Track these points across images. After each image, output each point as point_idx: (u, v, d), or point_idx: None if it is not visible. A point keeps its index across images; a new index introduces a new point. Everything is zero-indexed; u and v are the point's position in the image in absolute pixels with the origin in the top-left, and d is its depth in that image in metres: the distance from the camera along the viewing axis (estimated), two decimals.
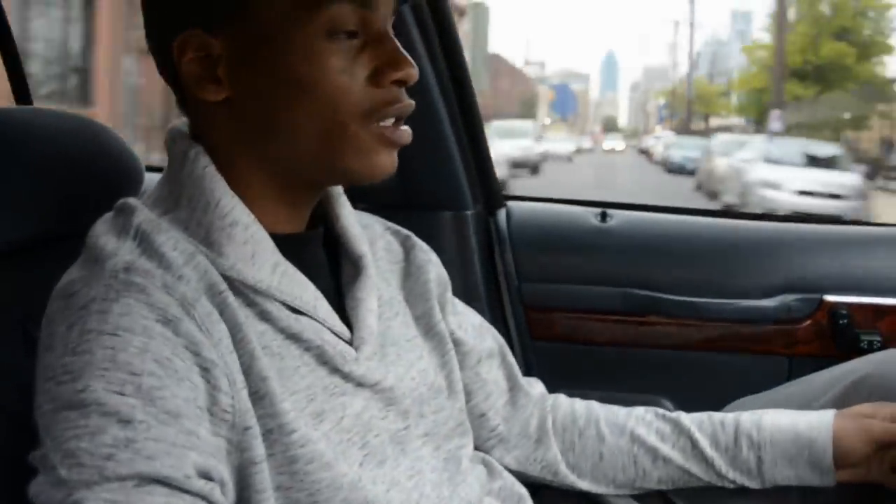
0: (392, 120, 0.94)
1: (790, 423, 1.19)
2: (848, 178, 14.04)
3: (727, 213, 2.01)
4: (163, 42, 0.93)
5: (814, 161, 14.72)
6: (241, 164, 0.94)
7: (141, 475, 0.74)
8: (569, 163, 33.97)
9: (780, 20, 20.46)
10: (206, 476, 0.78)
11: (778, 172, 13.83)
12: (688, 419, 1.24)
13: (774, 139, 17.78)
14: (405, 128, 0.96)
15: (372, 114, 0.92)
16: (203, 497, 0.77)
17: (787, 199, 12.67)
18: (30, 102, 2.04)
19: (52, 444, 0.77)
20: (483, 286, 1.86)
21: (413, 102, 0.96)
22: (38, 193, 1.06)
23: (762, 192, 13.36)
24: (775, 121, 19.04)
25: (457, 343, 1.16)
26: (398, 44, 0.94)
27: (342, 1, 0.90)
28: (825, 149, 16.23)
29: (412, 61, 0.93)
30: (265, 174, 0.95)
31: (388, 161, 0.95)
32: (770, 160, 14.75)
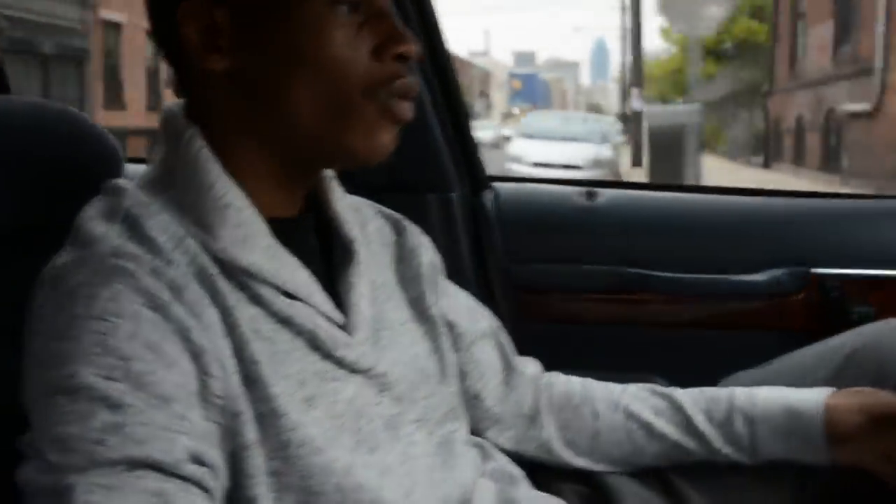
0: (395, 98, 0.93)
1: (782, 396, 1.19)
2: (597, 150, 15.36)
3: (714, 188, 2.01)
4: (166, 10, 0.92)
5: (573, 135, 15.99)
6: (238, 144, 0.93)
7: (131, 459, 0.74)
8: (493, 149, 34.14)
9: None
10: (198, 461, 0.77)
11: (527, 146, 15.24)
12: (682, 395, 1.23)
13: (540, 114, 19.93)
14: (407, 103, 0.95)
15: (376, 88, 0.92)
16: (195, 482, 0.76)
17: (526, 171, 13.58)
18: (8, 91, 2.02)
19: (41, 430, 0.76)
20: (471, 268, 1.86)
21: (417, 81, 0.96)
22: (15, 184, 1.04)
23: (508, 165, 14.49)
24: (636, 99, 19.41)
25: (450, 326, 1.15)
26: (398, 20, 0.94)
27: None
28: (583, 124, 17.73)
29: (413, 37, 0.93)
30: (262, 154, 0.94)
31: (389, 139, 0.95)
32: (525, 135, 16.21)
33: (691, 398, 1.23)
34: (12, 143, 1.06)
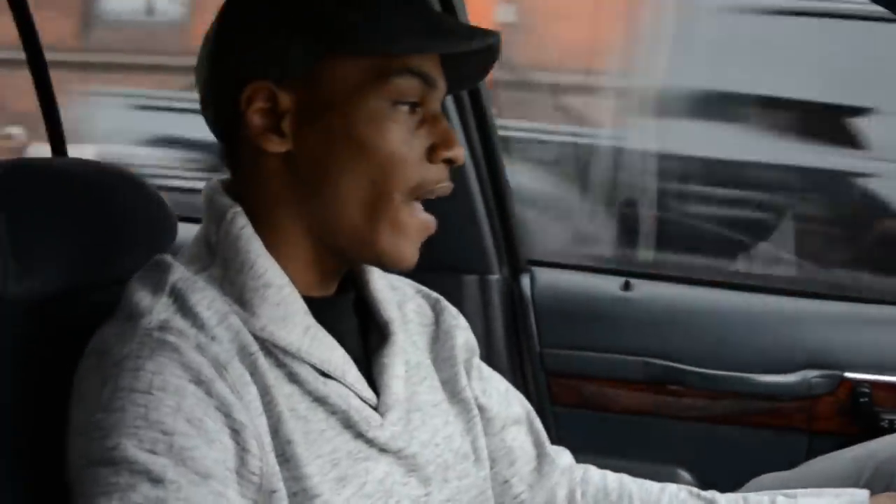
0: (419, 204, 0.96)
1: None
2: None
3: (749, 286, 2.01)
4: (230, 90, 0.93)
5: None
6: (282, 224, 0.95)
7: None
8: None
9: None
10: None
11: None
12: (724, 501, 1.20)
13: None
14: (431, 217, 0.98)
15: (418, 189, 0.94)
16: None
17: None
18: (65, 153, 2.07)
19: (83, 501, 0.77)
20: (505, 351, 1.87)
21: (451, 185, 0.99)
22: (72, 243, 1.06)
23: None
24: None
25: (481, 409, 1.14)
26: (450, 125, 0.97)
27: (410, 74, 0.92)
28: None
29: (462, 143, 0.96)
30: (304, 235, 0.95)
31: (415, 252, 0.97)
32: None
33: None
34: (72, 204, 1.08)
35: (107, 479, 0.76)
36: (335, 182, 0.93)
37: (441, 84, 0.97)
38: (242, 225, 0.93)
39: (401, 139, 0.93)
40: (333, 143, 0.92)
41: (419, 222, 0.96)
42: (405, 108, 0.93)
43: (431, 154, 0.95)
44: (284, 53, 0.92)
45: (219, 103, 0.97)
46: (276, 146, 0.93)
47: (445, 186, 0.97)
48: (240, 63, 0.94)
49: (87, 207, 1.09)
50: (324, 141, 0.92)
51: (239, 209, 0.94)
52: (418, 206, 0.96)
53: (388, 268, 0.98)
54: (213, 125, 0.99)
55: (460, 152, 0.96)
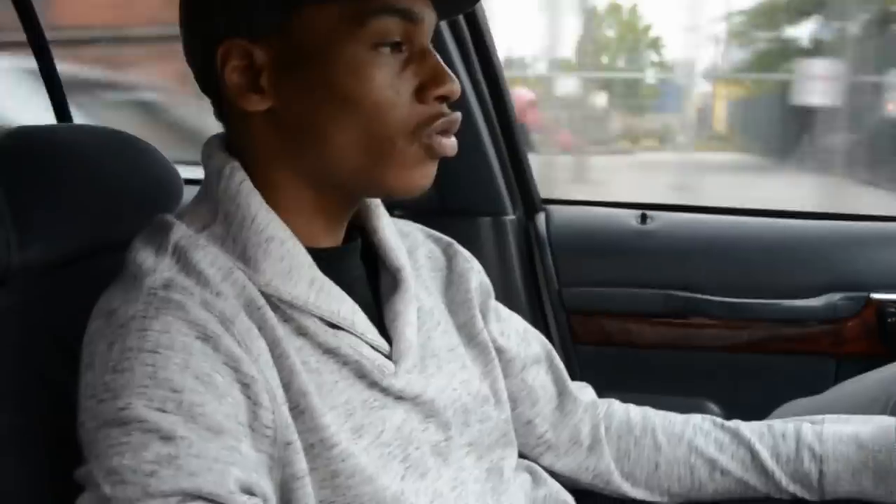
0: (436, 134, 0.93)
1: (852, 434, 1.15)
2: None
3: (768, 211, 1.99)
4: (205, 50, 0.92)
5: None
6: (279, 178, 0.94)
7: (184, 491, 0.74)
8: None
9: None
10: (249, 491, 0.78)
11: None
12: (747, 429, 1.20)
13: None
14: (451, 140, 0.94)
15: (417, 130, 0.91)
16: None
17: None
18: (70, 120, 2.06)
19: (96, 462, 0.77)
20: (524, 291, 1.86)
21: (459, 115, 0.95)
22: (79, 209, 1.06)
23: None
24: None
25: (499, 351, 1.14)
26: (440, 59, 0.93)
27: (388, 14, 0.89)
28: None
29: (454, 77, 0.92)
30: (303, 187, 0.94)
31: (427, 175, 0.94)
32: None
33: (757, 433, 1.19)
34: (78, 168, 1.08)
35: (118, 439, 0.76)
36: (326, 135, 0.90)
37: (427, 16, 0.93)
38: (241, 180, 0.92)
39: (386, 83, 0.89)
40: (315, 96, 0.89)
41: (435, 151, 0.93)
42: (387, 49, 0.90)
43: (421, 94, 0.91)
44: (254, 8, 0.89)
45: (200, 65, 0.95)
46: (256, 104, 0.91)
47: (448, 119, 0.93)
48: (211, 23, 0.92)
49: (90, 173, 1.09)
50: (305, 95, 0.90)
51: (236, 164, 0.93)
52: (431, 137, 0.92)
53: (401, 198, 0.95)
54: (202, 87, 0.98)
55: (453, 87, 0.92)
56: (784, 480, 1.16)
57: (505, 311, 1.22)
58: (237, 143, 0.96)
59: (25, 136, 1.08)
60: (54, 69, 2.00)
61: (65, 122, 2.04)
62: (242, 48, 0.90)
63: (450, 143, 0.94)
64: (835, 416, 1.21)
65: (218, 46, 0.90)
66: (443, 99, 0.92)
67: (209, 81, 0.95)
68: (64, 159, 1.07)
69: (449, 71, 0.92)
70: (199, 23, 0.94)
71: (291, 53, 0.90)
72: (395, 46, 0.90)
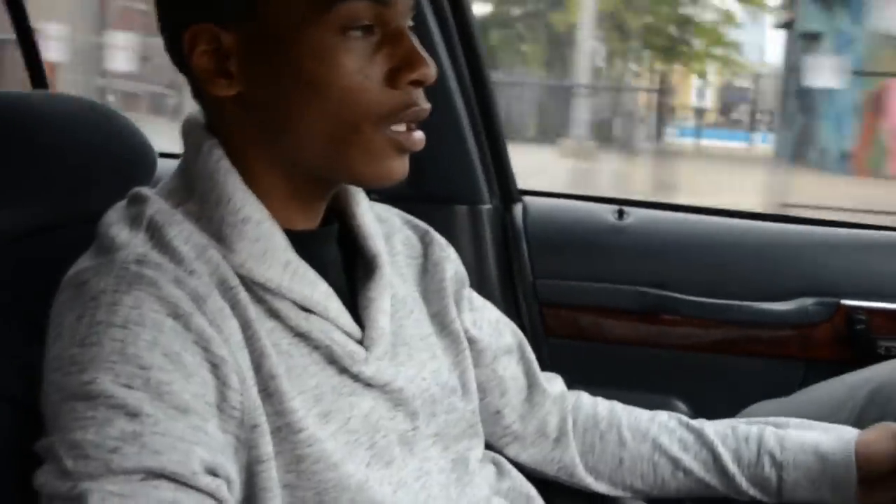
0: (404, 125, 0.91)
1: (813, 443, 1.16)
2: None
3: (744, 213, 2.00)
4: (174, 34, 0.91)
5: None
6: (254, 160, 0.92)
7: (147, 469, 0.74)
8: None
9: None
10: (213, 472, 0.77)
11: None
12: (712, 430, 1.21)
13: None
14: (418, 134, 0.93)
15: (387, 117, 0.89)
16: (209, 493, 0.76)
17: None
18: (45, 87, 2.04)
19: (59, 435, 0.76)
20: (498, 281, 1.86)
21: (429, 107, 0.93)
22: (50, 178, 1.05)
23: None
24: None
25: (471, 341, 1.14)
26: (416, 42, 0.91)
27: None
28: None
29: (430, 60, 0.90)
30: (277, 171, 0.93)
31: (399, 166, 0.92)
32: None
33: (720, 435, 1.20)
34: (49, 137, 1.06)
35: (83, 413, 0.76)
36: (293, 121, 0.89)
37: None
38: (218, 158, 0.91)
39: (355, 69, 0.87)
40: (283, 81, 0.88)
41: (399, 143, 0.91)
42: (357, 33, 0.87)
43: (393, 78, 0.89)
44: None
45: (171, 47, 0.93)
46: (224, 89, 0.90)
47: (419, 110, 0.92)
48: (179, 7, 0.91)
49: (62, 142, 1.08)
50: (273, 81, 0.88)
51: (215, 142, 0.92)
52: (400, 127, 0.91)
53: (374, 187, 0.94)
54: (177, 67, 0.96)
55: (427, 72, 0.90)
56: (744, 484, 1.17)
57: (479, 300, 1.22)
58: (213, 123, 0.94)
59: None
60: (31, 33, 1.97)
61: (40, 88, 2.01)
62: (210, 32, 0.88)
63: (418, 138, 0.93)
64: (799, 420, 1.22)
65: (185, 30, 0.89)
66: (417, 83, 0.90)
67: (180, 63, 0.93)
68: (36, 127, 1.06)
69: (425, 54, 0.90)
70: (166, 5, 0.93)
71: (259, 38, 0.88)
72: (367, 29, 0.88)
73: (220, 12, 0.88)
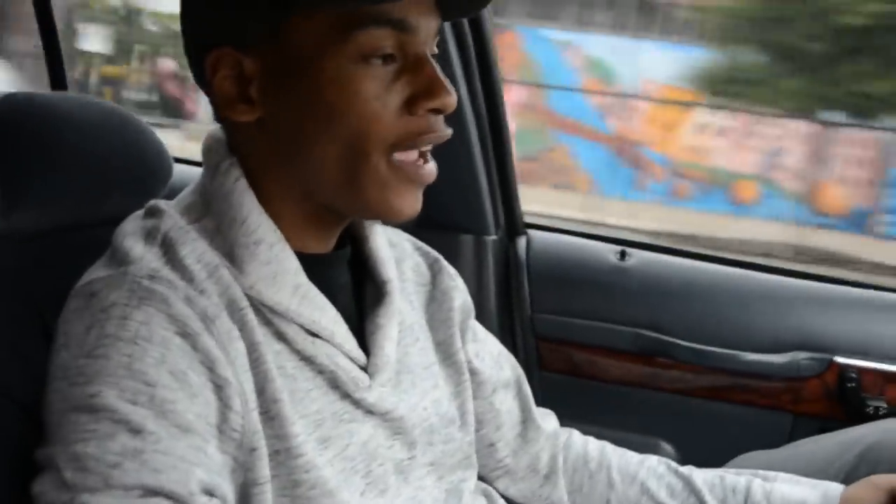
0: (416, 153, 0.91)
1: (799, 499, 1.16)
2: None
3: (745, 263, 2.01)
4: (197, 56, 0.92)
5: None
6: (271, 183, 0.93)
7: (146, 487, 0.74)
8: None
9: None
10: (210, 493, 0.77)
11: None
12: (700, 479, 1.21)
13: None
14: (430, 166, 0.93)
15: (399, 144, 0.89)
16: None
17: None
18: (65, 88, 2.04)
19: (60, 446, 0.76)
20: (496, 312, 1.87)
21: (450, 132, 0.93)
22: (66, 180, 1.05)
23: None
24: None
25: (473, 372, 1.14)
26: (437, 69, 0.91)
27: (379, 25, 0.86)
28: None
29: (450, 88, 0.90)
30: (293, 196, 0.93)
31: (410, 200, 0.92)
32: None
33: (708, 484, 1.20)
34: (68, 138, 1.06)
35: (86, 425, 0.76)
36: (310, 147, 0.89)
37: (424, 24, 0.90)
38: (236, 178, 0.91)
39: (372, 96, 0.87)
40: (302, 108, 0.88)
41: (407, 174, 0.91)
42: (378, 61, 0.87)
43: (412, 105, 0.89)
44: (244, 18, 0.88)
45: (195, 70, 0.94)
46: (245, 115, 0.90)
47: (436, 136, 0.91)
48: (203, 31, 0.91)
49: (80, 144, 1.07)
50: (293, 106, 0.89)
51: (234, 161, 0.92)
52: (411, 156, 0.91)
53: (388, 221, 0.95)
54: (201, 89, 0.96)
55: (447, 100, 0.89)
56: None
57: (482, 331, 1.22)
58: (233, 144, 0.94)
59: (17, 103, 1.06)
60: (55, 34, 1.98)
61: (60, 90, 2.02)
62: (233, 57, 0.89)
63: (429, 170, 0.93)
64: (787, 475, 1.22)
65: (208, 55, 0.90)
66: (436, 112, 0.90)
67: (204, 84, 0.93)
68: (55, 128, 1.06)
69: (446, 81, 0.90)
70: (191, 29, 0.93)
71: (280, 64, 0.88)
72: (388, 58, 0.88)
73: (244, 37, 0.88)
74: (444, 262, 1.16)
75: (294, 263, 0.91)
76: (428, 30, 0.91)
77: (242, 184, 0.91)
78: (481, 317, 1.74)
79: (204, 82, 0.92)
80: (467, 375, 1.11)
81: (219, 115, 0.95)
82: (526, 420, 1.23)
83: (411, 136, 0.89)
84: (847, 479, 1.21)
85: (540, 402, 1.30)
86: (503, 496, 1.21)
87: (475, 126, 1.83)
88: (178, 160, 1.27)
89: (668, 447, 1.83)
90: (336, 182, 0.90)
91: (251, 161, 0.93)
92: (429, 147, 0.92)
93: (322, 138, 0.88)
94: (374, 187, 0.90)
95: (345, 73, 0.87)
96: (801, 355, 1.79)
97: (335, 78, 0.87)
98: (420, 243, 1.18)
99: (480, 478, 1.17)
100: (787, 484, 1.19)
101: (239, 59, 0.89)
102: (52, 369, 0.82)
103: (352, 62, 0.87)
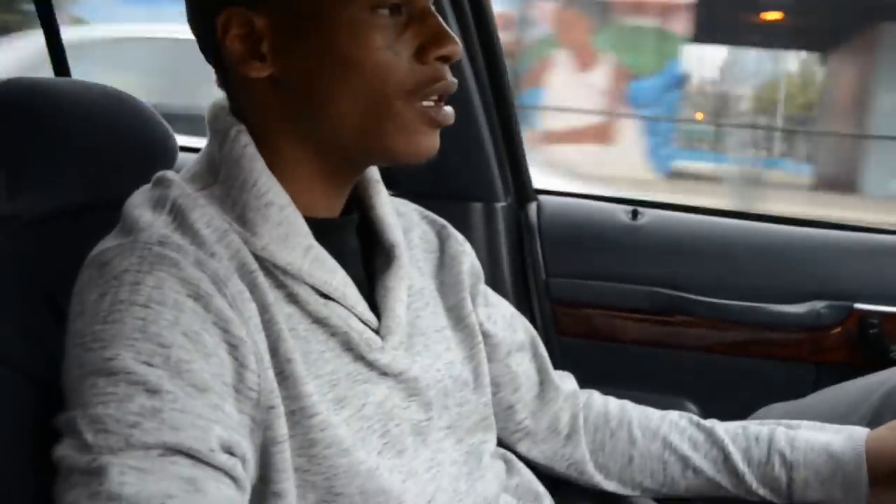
0: (434, 99, 0.94)
1: (824, 443, 1.15)
2: None
3: (759, 216, 1.99)
4: (205, 20, 0.92)
5: None
6: (282, 144, 0.94)
7: (166, 445, 0.75)
8: None
9: None
10: (230, 451, 0.78)
11: None
12: (722, 430, 1.21)
13: None
14: (448, 108, 0.95)
15: (416, 91, 0.92)
16: (225, 471, 0.77)
17: None
18: (68, 74, 2.05)
19: (80, 410, 0.77)
20: (510, 279, 1.86)
21: (456, 82, 0.95)
22: (73, 163, 1.06)
23: None
24: None
25: (485, 335, 1.14)
26: (441, 20, 0.93)
27: None
28: None
29: (455, 38, 0.93)
30: (306, 154, 0.95)
31: (431, 141, 0.95)
32: None
33: (731, 435, 1.20)
34: (74, 123, 1.07)
35: (104, 388, 0.77)
36: (326, 100, 0.91)
37: None
38: (245, 143, 0.93)
39: (385, 45, 0.90)
40: (316, 62, 0.90)
41: (430, 117, 0.93)
42: (385, 11, 0.90)
43: (422, 55, 0.92)
44: None
45: (201, 34, 0.95)
46: (258, 71, 0.91)
47: (447, 84, 0.94)
48: None
49: (85, 128, 1.09)
50: (306, 61, 0.90)
51: (242, 128, 0.94)
52: (430, 102, 0.93)
53: (405, 163, 0.96)
54: (204, 55, 0.98)
55: (455, 48, 0.93)
56: (754, 484, 1.17)
57: (493, 295, 1.23)
58: (240, 109, 0.96)
59: (21, 88, 1.07)
60: (55, 20, 1.98)
61: (63, 76, 2.02)
62: (242, 16, 0.90)
63: (448, 112, 0.95)
64: (811, 422, 1.21)
65: (217, 15, 0.90)
66: (444, 59, 0.93)
67: (210, 49, 0.95)
68: (59, 113, 1.07)
69: (450, 31, 0.93)
70: None
71: (291, 19, 0.90)
72: (394, 9, 0.91)
73: None
74: (452, 229, 1.17)
75: (304, 226, 0.93)
76: None
77: (252, 149, 0.93)
78: (495, 283, 1.74)
79: (211, 47, 0.94)
80: (480, 338, 1.12)
81: (224, 81, 0.96)
82: (543, 381, 1.23)
83: (426, 82, 0.92)
84: (872, 423, 1.20)
85: (559, 366, 1.30)
86: (525, 459, 1.21)
87: (477, 92, 1.82)
88: (183, 148, 1.27)
89: (691, 405, 1.83)
90: (357, 130, 0.92)
91: (260, 125, 0.94)
92: (443, 96, 0.95)
93: (339, 90, 0.90)
94: (399, 133, 0.92)
95: (356, 22, 0.89)
96: (821, 304, 1.78)
97: (347, 28, 0.89)
98: (427, 212, 1.18)
99: (501, 442, 1.18)
100: (810, 430, 1.19)
101: (249, 18, 0.90)
102: (68, 338, 0.83)
103: (362, 12, 0.89)
